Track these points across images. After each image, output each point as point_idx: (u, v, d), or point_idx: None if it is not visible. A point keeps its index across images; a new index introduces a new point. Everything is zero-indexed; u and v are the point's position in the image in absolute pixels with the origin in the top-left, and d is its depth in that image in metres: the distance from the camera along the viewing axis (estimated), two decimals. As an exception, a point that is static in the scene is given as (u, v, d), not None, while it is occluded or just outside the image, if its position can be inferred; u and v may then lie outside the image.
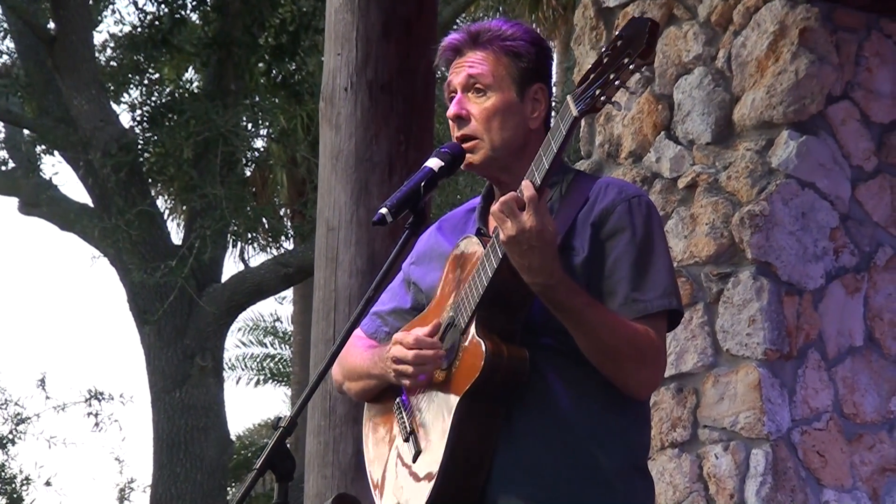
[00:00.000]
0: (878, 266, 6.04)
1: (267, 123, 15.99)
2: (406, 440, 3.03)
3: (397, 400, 3.10)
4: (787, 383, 5.76)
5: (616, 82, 2.75)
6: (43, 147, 15.53)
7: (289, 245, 17.53)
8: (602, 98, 2.76)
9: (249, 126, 15.76)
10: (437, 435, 2.95)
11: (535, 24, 18.95)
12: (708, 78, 6.13)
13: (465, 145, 3.04)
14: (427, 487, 2.94)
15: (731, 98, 6.08)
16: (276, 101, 15.10)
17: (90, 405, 17.31)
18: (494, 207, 2.87)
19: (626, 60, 2.73)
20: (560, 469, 2.94)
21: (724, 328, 5.84)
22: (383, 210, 2.95)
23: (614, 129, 6.41)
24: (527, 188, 2.83)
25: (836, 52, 6.00)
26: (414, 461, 3.00)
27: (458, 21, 15.75)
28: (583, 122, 6.56)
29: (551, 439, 2.94)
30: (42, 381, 17.98)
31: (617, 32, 2.77)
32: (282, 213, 19.07)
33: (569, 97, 2.81)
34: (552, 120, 2.94)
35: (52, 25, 15.03)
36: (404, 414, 3.07)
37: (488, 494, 2.94)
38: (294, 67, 14.43)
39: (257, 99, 15.47)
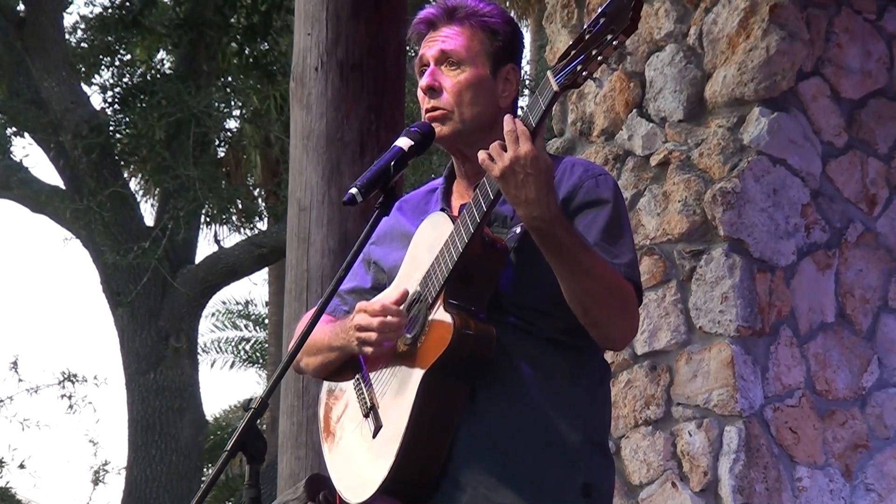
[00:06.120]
0: (849, 242, 6.05)
1: (240, 104, 15.92)
2: (366, 416, 3.01)
3: (357, 375, 3.07)
4: (759, 360, 5.77)
5: (598, 57, 2.75)
6: (13, 129, 15.43)
7: (263, 225, 17.45)
8: (584, 73, 2.77)
9: (222, 106, 15.68)
10: (400, 410, 2.93)
11: (508, 3, 18.93)
12: (679, 55, 6.13)
13: (433, 115, 3.03)
14: (387, 463, 2.93)
15: (703, 75, 6.07)
16: (249, 81, 15.03)
17: (64, 387, 17.25)
18: (491, 148, 2.83)
19: (609, 37, 2.73)
20: (521, 445, 2.94)
21: (697, 305, 5.84)
22: (353, 190, 2.93)
23: (587, 107, 6.40)
24: (519, 126, 2.82)
25: (806, 29, 6.00)
26: (374, 437, 2.98)
27: (429, 0, 15.70)
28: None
29: (513, 415, 2.94)
30: (15, 363, 17.91)
31: (600, 10, 2.76)
32: (255, 194, 19.00)
33: (549, 72, 2.81)
34: (531, 97, 2.93)
35: (21, 7, 14.94)
36: (364, 389, 3.04)
37: (450, 469, 2.94)
38: (266, 47, 14.38)
39: (230, 79, 15.40)
